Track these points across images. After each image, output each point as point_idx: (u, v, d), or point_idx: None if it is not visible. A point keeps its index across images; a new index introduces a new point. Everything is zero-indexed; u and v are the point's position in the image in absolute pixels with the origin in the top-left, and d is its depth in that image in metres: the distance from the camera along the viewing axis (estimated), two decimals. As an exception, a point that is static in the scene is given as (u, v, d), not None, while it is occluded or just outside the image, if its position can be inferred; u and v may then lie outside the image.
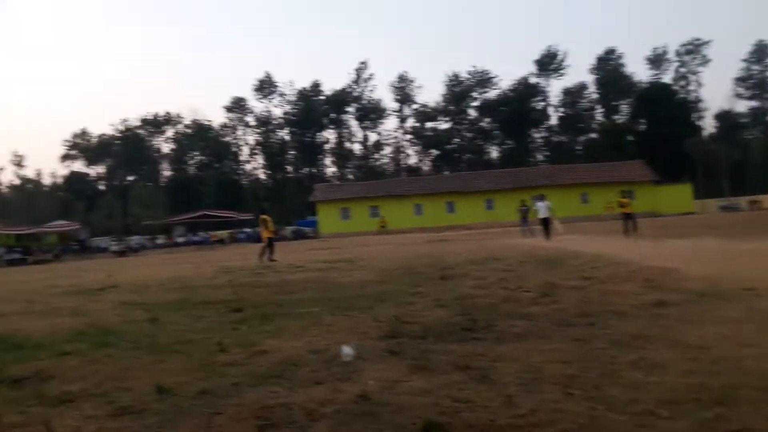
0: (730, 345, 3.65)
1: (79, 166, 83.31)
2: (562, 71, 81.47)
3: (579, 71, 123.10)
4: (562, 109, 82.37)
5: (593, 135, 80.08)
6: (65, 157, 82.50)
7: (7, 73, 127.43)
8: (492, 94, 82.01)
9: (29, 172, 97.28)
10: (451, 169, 76.46)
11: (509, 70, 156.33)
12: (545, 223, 20.37)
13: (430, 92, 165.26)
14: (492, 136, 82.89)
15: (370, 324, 5.34)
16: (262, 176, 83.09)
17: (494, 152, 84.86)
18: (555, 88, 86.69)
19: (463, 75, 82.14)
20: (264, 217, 18.82)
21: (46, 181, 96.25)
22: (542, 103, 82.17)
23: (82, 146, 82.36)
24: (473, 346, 4.22)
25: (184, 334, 5.46)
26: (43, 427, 2.91)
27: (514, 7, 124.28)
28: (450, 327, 4.98)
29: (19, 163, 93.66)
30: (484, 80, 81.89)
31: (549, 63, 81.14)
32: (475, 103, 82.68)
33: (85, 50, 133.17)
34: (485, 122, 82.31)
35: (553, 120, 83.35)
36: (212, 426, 2.83)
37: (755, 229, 17.15)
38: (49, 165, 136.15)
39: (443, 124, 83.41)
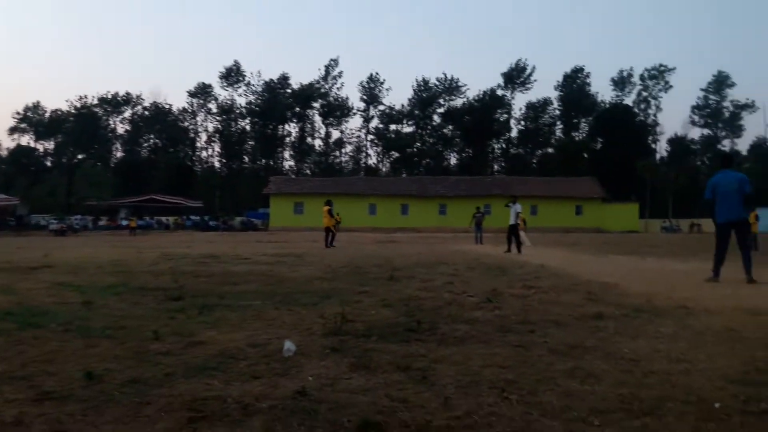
0: (661, 359, 3.77)
1: (27, 140, 79.47)
2: (528, 86, 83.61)
3: (545, 87, 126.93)
4: (523, 123, 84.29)
5: (550, 150, 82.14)
6: (13, 130, 78.47)
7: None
8: (458, 102, 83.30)
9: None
10: (409, 173, 76.90)
11: (479, 80, 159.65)
12: (512, 231, 16.91)
13: (398, 95, 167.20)
14: (453, 143, 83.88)
15: (314, 320, 5.26)
16: (217, 164, 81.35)
17: (453, 159, 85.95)
18: (520, 101, 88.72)
19: (433, 81, 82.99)
20: (326, 207, 19.51)
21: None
22: (505, 115, 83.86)
23: (34, 120, 78.51)
24: (415, 347, 4.20)
25: (119, 320, 5.25)
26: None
27: (491, 18, 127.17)
28: (394, 327, 4.95)
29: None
30: (452, 88, 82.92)
31: (517, 77, 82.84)
32: (441, 110, 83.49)
33: (49, 18, 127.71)
34: (448, 129, 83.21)
35: (514, 132, 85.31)
36: (139, 415, 2.71)
37: (691, 250, 17.96)
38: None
39: (407, 128, 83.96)
